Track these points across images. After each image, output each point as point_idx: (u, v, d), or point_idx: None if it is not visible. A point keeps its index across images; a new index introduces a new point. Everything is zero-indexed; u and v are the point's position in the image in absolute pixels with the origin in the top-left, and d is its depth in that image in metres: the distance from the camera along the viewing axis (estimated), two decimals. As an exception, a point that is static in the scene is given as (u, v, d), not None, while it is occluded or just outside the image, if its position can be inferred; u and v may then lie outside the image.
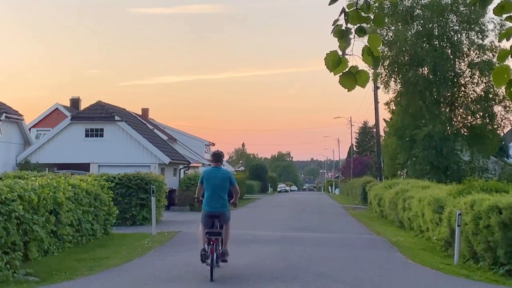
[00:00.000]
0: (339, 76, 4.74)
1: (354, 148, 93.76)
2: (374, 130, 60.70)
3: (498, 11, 4.67)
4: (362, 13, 4.71)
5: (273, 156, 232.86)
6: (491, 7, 4.80)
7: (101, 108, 39.92)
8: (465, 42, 40.40)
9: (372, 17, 4.81)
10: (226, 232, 12.06)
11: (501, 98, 39.27)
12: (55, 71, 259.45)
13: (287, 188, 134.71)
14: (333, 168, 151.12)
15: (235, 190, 12.16)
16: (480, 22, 39.33)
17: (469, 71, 40.74)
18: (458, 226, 14.04)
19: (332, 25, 4.74)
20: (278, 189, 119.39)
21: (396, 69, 41.00)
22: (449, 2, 39.82)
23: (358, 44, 4.76)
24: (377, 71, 39.24)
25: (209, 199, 11.81)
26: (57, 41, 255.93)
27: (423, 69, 40.66)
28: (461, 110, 41.72)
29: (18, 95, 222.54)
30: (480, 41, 39.92)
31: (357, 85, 4.78)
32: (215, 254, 11.36)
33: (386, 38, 39.86)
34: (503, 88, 5.60)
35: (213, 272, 11.14)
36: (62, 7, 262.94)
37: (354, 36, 4.72)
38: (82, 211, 16.61)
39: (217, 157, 12.29)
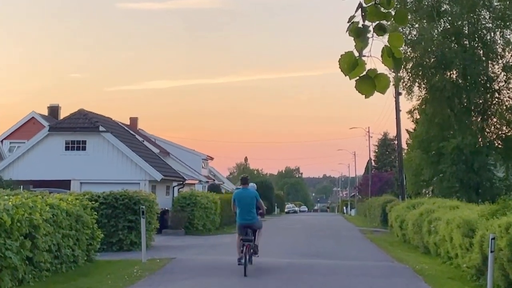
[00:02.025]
0: (356, 80, 4.76)
1: (373, 163, 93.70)
2: (396, 142, 60.73)
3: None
4: (382, 9, 4.73)
5: (280, 172, 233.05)
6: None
7: (84, 117, 39.97)
8: (499, 41, 40.36)
9: (393, 13, 4.83)
10: (259, 235, 18.05)
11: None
12: (31, 74, 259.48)
13: (296, 208, 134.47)
14: (348, 186, 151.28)
15: (260, 205, 18.10)
16: (516, 19, 39.36)
17: (504, 75, 40.68)
18: (492, 252, 14.00)
19: (348, 22, 4.76)
20: (286, 210, 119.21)
21: (420, 73, 40.96)
22: (481, -4, 39.86)
23: (377, 44, 4.78)
24: (398, 74, 39.28)
25: (241, 214, 17.58)
26: (34, 41, 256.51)
27: (451, 72, 40.65)
28: (494, 120, 41.64)
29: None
30: (517, 41, 39.94)
31: (375, 91, 4.79)
32: (247, 256, 16.59)
33: (409, 37, 39.84)
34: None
35: (246, 269, 16.21)
36: (40, 3, 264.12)
37: (373, 34, 4.74)
38: (61, 235, 16.60)
39: (245, 180, 18.37)
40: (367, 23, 4.72)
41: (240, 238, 17.15)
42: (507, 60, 40.35)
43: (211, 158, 77.27)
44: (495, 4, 39.55)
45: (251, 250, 17.21)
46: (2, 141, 49.39)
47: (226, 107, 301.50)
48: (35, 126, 49.01)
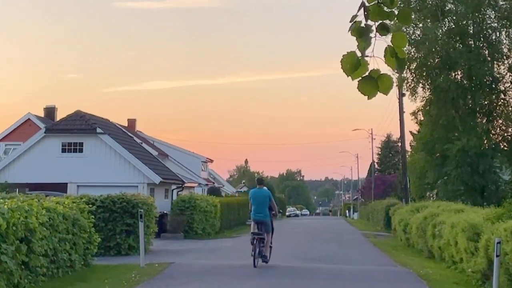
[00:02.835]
0: (358, 81, 4.76)
1: (376, 166, 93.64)
2: (399, 144, 60.77)
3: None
4: (385, 8, 4.73)
5: (281, 174, 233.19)
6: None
7: (81, 118, 39.91)
8: (505, 41, 40.32)
9: (396, 12, 4.83)
10: (267, 240, 19.84)
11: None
12: (27, 75, 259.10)
13: (298, 212, 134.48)
14: (351, 189, 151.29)
15: (273, 204, 20.36)
16: (522, 18, 39.32)
17: (509, 76, 40.68)
18: (497, 256, 13.98)
19: (350, 21, 4.76)
20: (287, 213, 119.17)
21: (424, 73, 40.95)
22: (486, -5, 39.81)
23: (380, 44, 4.78)
24: (402, 75, 39.26)
25: (255, 211, 19.95)
26: (29, 41, 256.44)
27: (456, 73, 40.62)
28: (500, 121, 41.60)
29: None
30: (523, 41, 39.91)
31: (378, 92, 4.79)
32: (257, 249, 19.06)
33: (412, 37, 39.83)
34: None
35: (256, 262, 18.76)
36: (38, 3, 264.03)
37: (376, 34, 4.74)
38: (58, 239, 16.57)
39: (260, 181, 21.25)
40: (369, 22, 4.72)
41: (252, 232, 19.84)
42: (513, 60, 40.35)
43: (211, 161, 77.20)
44: (501, 3, 39.52)
45: (261, 250, 19.35)
46: (-3, 143, 49.41)
47: (226, 108, 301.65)
48: (31, 128, 48.90)
